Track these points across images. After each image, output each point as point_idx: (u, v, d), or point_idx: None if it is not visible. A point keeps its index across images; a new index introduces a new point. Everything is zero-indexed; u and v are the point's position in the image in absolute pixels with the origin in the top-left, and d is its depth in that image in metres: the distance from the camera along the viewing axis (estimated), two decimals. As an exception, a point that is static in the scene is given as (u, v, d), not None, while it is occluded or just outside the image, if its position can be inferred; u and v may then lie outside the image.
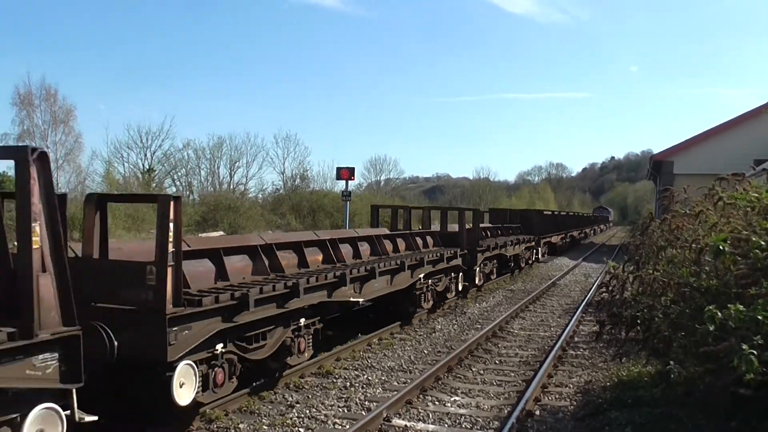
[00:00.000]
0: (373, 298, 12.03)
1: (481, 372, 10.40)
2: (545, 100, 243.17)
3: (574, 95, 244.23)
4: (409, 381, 9.45)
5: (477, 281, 18.51)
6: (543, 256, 31.39)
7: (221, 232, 33.02)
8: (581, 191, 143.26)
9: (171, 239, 6.46)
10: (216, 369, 7.42)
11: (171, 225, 6.47)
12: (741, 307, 4.84)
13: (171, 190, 53.16)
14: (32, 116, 45.86)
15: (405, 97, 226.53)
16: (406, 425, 7.69)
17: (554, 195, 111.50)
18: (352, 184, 31.15)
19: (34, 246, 4.87)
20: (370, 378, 9.75)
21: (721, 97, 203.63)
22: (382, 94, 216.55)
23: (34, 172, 4.84)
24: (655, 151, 39.95)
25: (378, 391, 9.15)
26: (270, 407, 8.27)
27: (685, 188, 8.98)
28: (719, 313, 4.99)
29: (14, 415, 4.80)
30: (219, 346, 7.43)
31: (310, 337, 9.54)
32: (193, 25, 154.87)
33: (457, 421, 7.95)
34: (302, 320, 9.24)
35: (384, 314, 13.71)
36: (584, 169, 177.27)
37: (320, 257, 11.24)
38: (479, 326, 14.17)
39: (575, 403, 8.73)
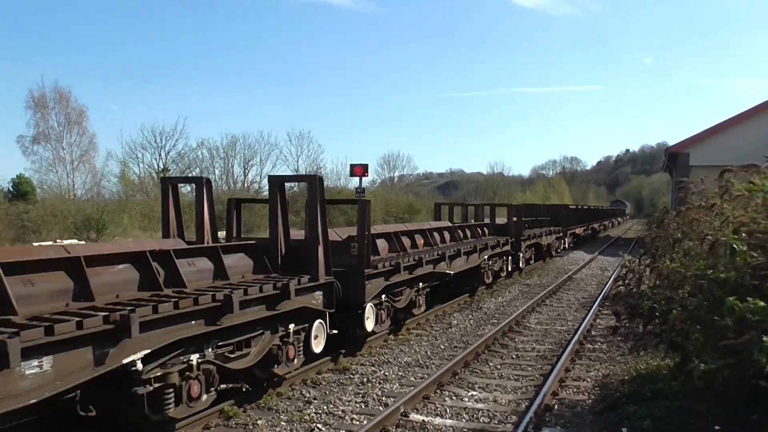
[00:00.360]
0: (457, 272, 15.32)
1: (498, 367, 10.39)
2: (558, 94, 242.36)
3: (587, 88, 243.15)
4: (426, 376, 9.46)
5: (521, 264, 22.28)
6: (569, 245, 34.75)
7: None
8: (596, 184, 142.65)
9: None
10: (380, 310, 11.35)
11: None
12: (761, 302, 4.80)
13: (186, 189, 53.42)
14: (47, 118, 46.32)
15: (417, 93, 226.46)
16: (423, 420, 7.70)
17: (569, 189, 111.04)
18: (365, 181, 31.20)
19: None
20: (387, 374, 9.76)
21: (736, 87, 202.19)
22: (394, 90, 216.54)
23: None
24: (671, 143, 39.65)
25: (395, 386, 9.16)
26: (288, 403, 8.31)
27: (702, 179, 8.91)
28: (739, 304, 4.96)
29: (306, 324, 9.04)
30: (383, 297, 11.42)
31: (424, 296, 13.71)
32: (205, 24, 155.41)
33: (475, 415, 7.95)
34: (420, 284, 13.15)
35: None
36: (599, 163, 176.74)
37: (418, 242, 15.38)
38: (495, 321, 14.15)
39: (593, 396, 8.70)
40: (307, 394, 8.68)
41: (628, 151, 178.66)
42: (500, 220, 23.09)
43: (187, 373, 6.72)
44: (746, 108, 31.70)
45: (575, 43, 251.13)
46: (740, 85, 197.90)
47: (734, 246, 5.26)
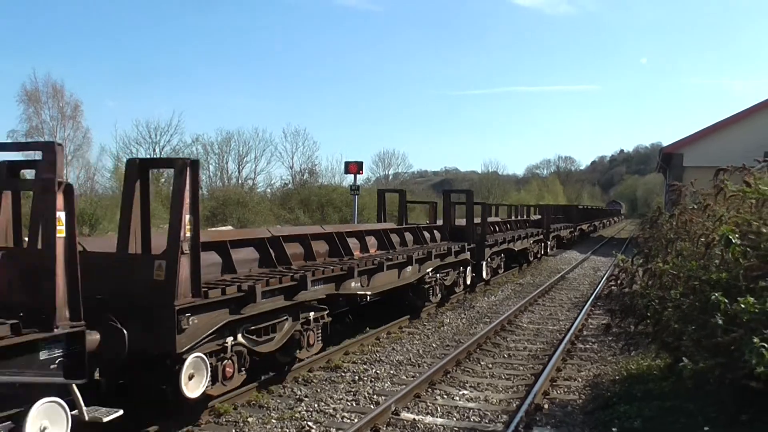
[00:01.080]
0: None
1: (490, 366, 10.39)
2: (554, 93, 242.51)
3: (583, 88, 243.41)
4: (417, 375, 9.45)
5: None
6: (575, 237, 41.44)
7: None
8: (590, 184, 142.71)
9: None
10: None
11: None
12: (752, 300, 4.81)
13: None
14: (40, 113, 46.08)
15: (413, 91, 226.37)
16: (414, 419, 7.68)
17: (563, 188, 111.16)
18: (360, 179, 31.17)
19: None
20: (378, 372, 9.75)
21: (732, 88, 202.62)
22: (390, 88, 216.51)
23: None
24: (665, 143, 39.74)
25: (386, 384, 9.15)
26: (279, 401, 8.28)
27: (692, 182, 8.93)
28: (727, 302, 4.97)
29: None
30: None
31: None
32: (200, 20, 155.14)
33: (466, 414, 7.94)
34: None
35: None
36: (593, 162, 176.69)
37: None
38: (488, 320, 14.15)
39: (584, 396, 8.71)
40: (299, 392, 8.66)
41: (622, 151, 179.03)
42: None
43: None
44: (740, 109, 31.81)
45: (572, 43, 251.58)
46: (736, 86, 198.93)
47: (730, 238, 5.25)
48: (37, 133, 45.30)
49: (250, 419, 7.54)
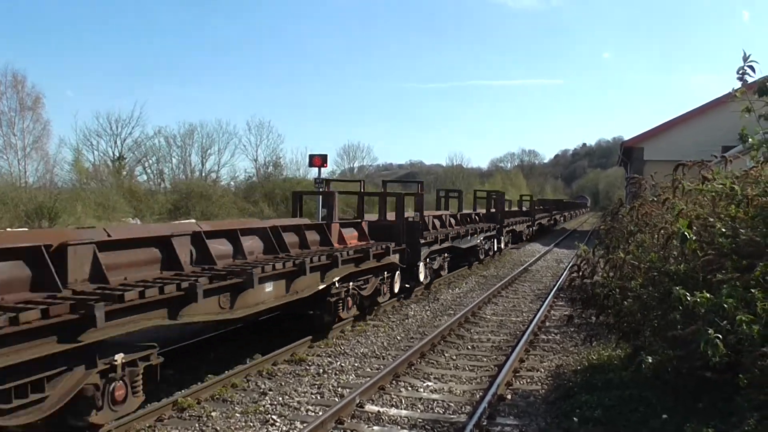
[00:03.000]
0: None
1: (454, 357, 10.47)
2: (518, 87, 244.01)
3: (547, 82, 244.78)
4: (382, 367, 9.48)
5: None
6: (557, 224, 54.76)
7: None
8: (553, 177, 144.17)
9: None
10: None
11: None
12: (708, 294, 4.92)
13: (142, 178, 52.67)
14: (-3, 102, 44.98)
15: (377, 84, 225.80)
16: (378, 411, 7.71)
17: (526, 182, 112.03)
18: (325, 171, 31.05)
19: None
20: (343, 364, 9.76)
21: (692, 83, 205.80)
22: (355, 81, 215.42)
23: None
24: (626, 137, 40.38)
25: (351, 377, 9.16)
26: (243, 395, 8.25)
27: (652, 175, 9.08)
28: (687, 295, 5.08)
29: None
30: None
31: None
32: (162, 11, 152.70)
33: (430, 406, 7.99)
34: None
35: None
36: (556, 156, 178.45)
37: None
38: (452, 312, 14.25)
39: (546, 386, 8.82)
40: (263, 386, 8.63)
41: (584, 145, 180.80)
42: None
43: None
44: (699, 104, 32.42)
45: (535, 37, 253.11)
46: (695, 81, 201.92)
47: (685, 234, 5.36)
48: (-6, 123, 44.27)
49: (213, 413, 7.50)
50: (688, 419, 6.01)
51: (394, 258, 13.79)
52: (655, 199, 7.99)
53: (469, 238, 21.11)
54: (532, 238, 38.16)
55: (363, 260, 12.03)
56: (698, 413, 6.19)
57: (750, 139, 6.03)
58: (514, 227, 31.63)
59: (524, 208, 41.74)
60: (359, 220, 14.49)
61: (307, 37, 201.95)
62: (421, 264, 15.73)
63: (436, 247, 17.33)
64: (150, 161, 54.83)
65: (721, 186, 6.01)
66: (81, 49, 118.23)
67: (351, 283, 11.84)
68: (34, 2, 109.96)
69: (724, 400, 5.69)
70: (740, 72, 5.58)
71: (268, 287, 8.96)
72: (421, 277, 15.89)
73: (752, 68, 5.50)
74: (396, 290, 14.27)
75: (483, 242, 23.41)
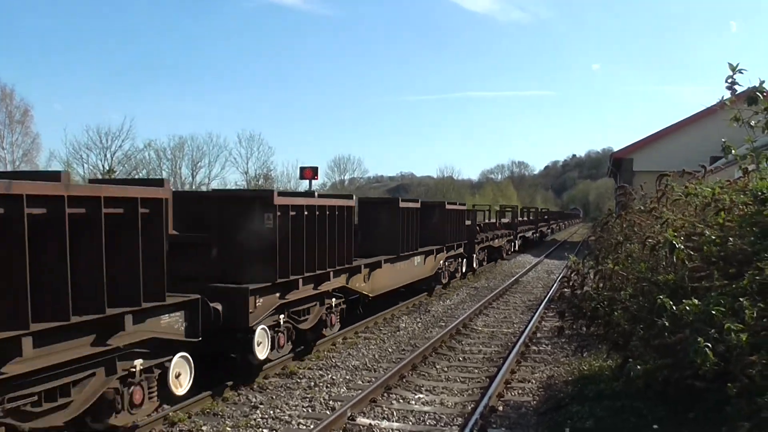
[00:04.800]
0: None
1: (445, 369, 10.45)
2: (508, 99, 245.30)
3: (537, 93, 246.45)
4: (373, 380, 9.46)
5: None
6: (548, 235, 55.17)
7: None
8: (544, 189, 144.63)
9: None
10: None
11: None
12: (696, 301, 4.93)
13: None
14: (-14, 116, 44.85)
15: (368, 97, 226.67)
16: (370, 424, 7.69)
17: (517, 193, 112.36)
18: (316, 184, 31.03)
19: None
20: (334, 377, 9.73)
21: (680, 94, 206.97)
22: (345, 94, 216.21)
23: None
24: (616, 148, 40.58)
25: (342, 390, 9.13)
26: (233, 408, 8.21)
27: (642, 185, 9.13)
28: (672, 303, 5.09)
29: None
30: None
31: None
32: (153, 24, 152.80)
33: (421, 418, 7.98)
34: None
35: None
36: (546, 167, 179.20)
37: None
38: (443, 324, 14.24)
39: (538, 398, 8.82)
40: (254, 399, 8.59)
41: (574, 156, 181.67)
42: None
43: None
44: (688, 115, 32.63)
45: (525, 49, 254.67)
46: (683, 93, 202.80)
47: (673, 243, 5.38)
48: (-18, 137, 44.08)
49: (204, 428, 7.46)
50: (680, 429, 6.02)
51: (462, 250, 21.24)
52: (643, 208, 8.03)
53: (500, 240, 28.83)
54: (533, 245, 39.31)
55: (451, 249, 19.81)
56: (689, 423, 6.19)
57: (733, 151, 6.07)
58: (525, 234, 39.11)
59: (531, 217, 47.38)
60: None
61: (298, 50, 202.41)
62: (475, 255, 22.73)
63: (482, 245, 24.80)
64: (140, 174, 54.75)
65: (709, 191, 6.04)
66: (69, 62, 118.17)
67: (446, 263, 19.39)
68: (22, 16, 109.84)
69: (714, 409, 5.69)
70: (729, 82, 5.62)
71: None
72: (475, 264, 23.29)
73: (741, 72, 5.53)
74: (464, 271, 21.66)
75: (506, 244, 30.90)
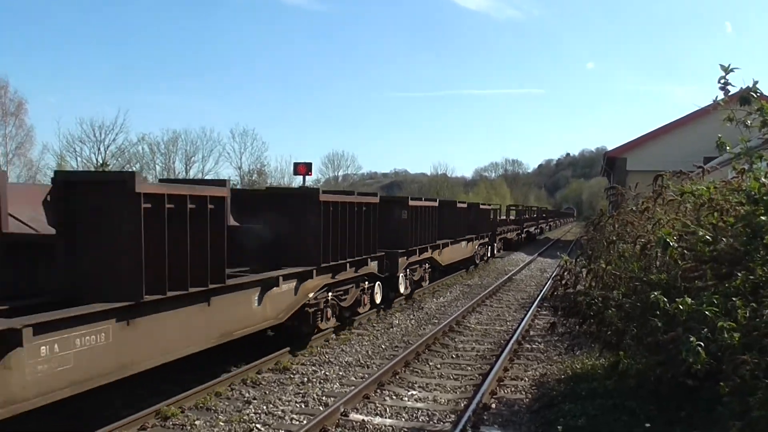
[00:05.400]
0: None
1: (438, 366, 10.48)
2: (502, 97, 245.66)
3: (531, 91, 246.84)
4: (366, 376, 9.48)
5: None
6: (550, 228, 61.86)
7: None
8: (537, 187, 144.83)
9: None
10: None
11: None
12: (689, 300, 4.96)
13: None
14: (-21, 108, 44.65)
15: (362, 93, 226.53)
16: (363, 420, 7.71)
17: (510, 191, 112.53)
18: (309, 180, 31.08)
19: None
20: (327, 373, 9.74)
21: (674, 94, 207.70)
22: (340, 90, 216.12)
23: None
24: (610, 147, 40.68)
25: (335, 386, 9.15)
26: (226, 403, 8.21)
27: (631, 186, 9.17)
28: (666, 301, 5.12)
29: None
30: None
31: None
32: (148, 19, 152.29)
33: (414, 415, 8.00)
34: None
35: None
36: (540, 166, 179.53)
37: None
38: (436, 321, 14.27)
39: (530, 395, 8.85)
40: (247, 394, 8.60)
41: (568, 154, 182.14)
42: None
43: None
44: (682, 115, 32.72)
45: (519, 47, 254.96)
46: (677, 92, 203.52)
47: (667, 241, 5.41)
48: (-25, 130, 43.91)
49: (197, 422, 7.46)
50: (671, 427, 6.06)
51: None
52: (635, 208, 8.07)
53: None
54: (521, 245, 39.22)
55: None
56: (681, 421, 6.24)
57: (728, 148, 6.11)
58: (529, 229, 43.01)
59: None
60: None
61: (292, 46, 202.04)
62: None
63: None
64: (133, 168, 54.66)
65: (703, 189, 6.07)
66: (64, 55, 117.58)
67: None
68: (17, 9, 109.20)
69: (706, 408, 5.74)
70: (721, 82, 5.65)
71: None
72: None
73: (733, 71, 5.56)
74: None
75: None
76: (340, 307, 12.19)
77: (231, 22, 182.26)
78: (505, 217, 39.36)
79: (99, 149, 52.93)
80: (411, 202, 16.25)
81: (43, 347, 5.52)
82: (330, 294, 11.56)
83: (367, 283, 13.44)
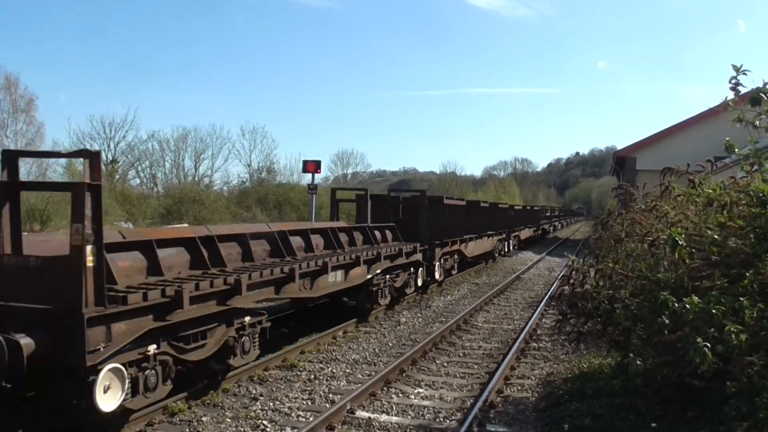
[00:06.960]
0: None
1: (445, 364, 10.48)
2: (512, 95, 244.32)
3: (541, 90, 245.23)
4: (373, 373, 9.49)
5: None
6: (562, 227, 61.86)
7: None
8: (546, 186, 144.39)
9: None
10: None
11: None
12: (696, 299, 4.94)
13: (135, 182, 52.64)
14: (-11, 104, 44.80)
15: (372, 91, 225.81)
16: (369, 417, 7.72)
17: (519, 190, 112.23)
18: (318, 177, 31.14)
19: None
20: (334, 371, 9.76)
21: (685, 94, 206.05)
22: (349, 88, 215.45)
23: None
24: (620, 147, 40.54)
25: (342, 383, 9.17)
26: (233, 400, 8.24)
27: (638, 185, 9.14)
28: (674, 300, 5.11)
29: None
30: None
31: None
32: (157, 17, 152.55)
33: (420, 413, 8.01)
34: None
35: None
36: (549, 165, 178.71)
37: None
38: (444, 319, 14.27)
39: (537, 394, 8.85)
40: (254, 391, 8.62)
41: (578, 153, 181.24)
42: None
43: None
44: (692, 115, 32.55)
45: (530, 46, 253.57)
46: (692, 92, 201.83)
47: (676, 240, 5.38)
48: (-14, 126, 44.14)
49: (204, 418, 7.49)
50: (678, 428, 6.05)
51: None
52: (644, 207, 8.04)
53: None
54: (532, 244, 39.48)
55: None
56: (687, 422, 6.23)
57: (737, 150, 6.07)
58: (544, 226, 48.09)
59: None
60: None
61: (301, 43, 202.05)
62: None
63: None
64: (143, 165, 54.96)
65: (711, 191, 6.05)
66: (74, 53, 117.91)
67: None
68: (27, 6, 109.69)
69: (712, 408, 5.72)
70: (732, 83, 5.62)
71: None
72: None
73: (744, 73, 5.53)
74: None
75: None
76: (394, 287, 14.69)
77: (241, 20, 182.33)
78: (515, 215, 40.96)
79: (109, 146, 52.97)
80: (446, 201, 20.37)
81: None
82: (387, 276, 14.07)
83: (411, 269, 15.66)
